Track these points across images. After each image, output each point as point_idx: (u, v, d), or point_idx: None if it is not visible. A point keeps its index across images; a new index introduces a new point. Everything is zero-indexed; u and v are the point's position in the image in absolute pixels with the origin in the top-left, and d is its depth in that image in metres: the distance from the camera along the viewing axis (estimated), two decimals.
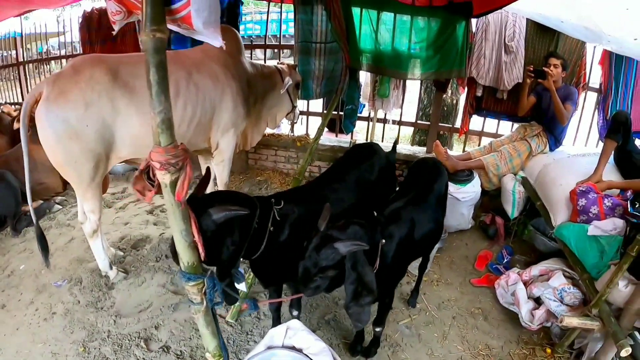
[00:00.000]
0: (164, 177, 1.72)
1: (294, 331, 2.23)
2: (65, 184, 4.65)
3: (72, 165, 2.97)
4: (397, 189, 3.18)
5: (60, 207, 4.62)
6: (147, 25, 1.59)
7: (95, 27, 5.40)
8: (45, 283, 3.52)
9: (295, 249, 2.41)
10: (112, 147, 3.05)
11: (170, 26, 1.79)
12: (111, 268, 3.52)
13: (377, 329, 2.81)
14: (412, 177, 3.05)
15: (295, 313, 2.91)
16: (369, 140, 5.34)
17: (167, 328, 3.10)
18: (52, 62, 7.14)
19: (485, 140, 4.92)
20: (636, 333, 2.75)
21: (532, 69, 4.03)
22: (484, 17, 4.30)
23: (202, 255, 1.92)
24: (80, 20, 5.64)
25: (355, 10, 4.08)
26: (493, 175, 4.25)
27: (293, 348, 2.18)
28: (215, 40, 1.78)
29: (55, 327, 3.09)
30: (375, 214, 2.48)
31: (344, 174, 2.94)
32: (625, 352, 2.53)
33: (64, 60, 7.03)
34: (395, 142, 3.66)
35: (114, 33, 2.42)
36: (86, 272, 3.61)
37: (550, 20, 3.67)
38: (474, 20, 4.23)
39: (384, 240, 2.32)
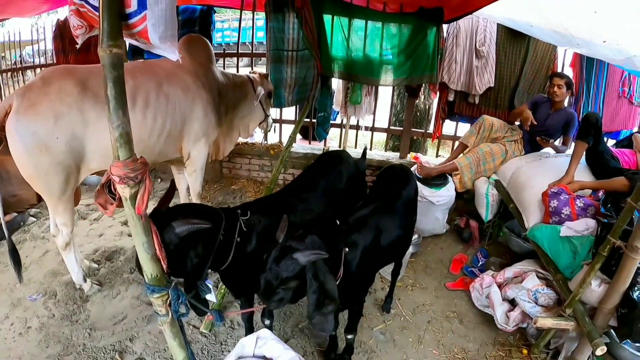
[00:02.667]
0: (123, 191, 1.77)
1: (264, 340, 2.26)
2: (40, 196, 4.65)
3: (43, 178, 2.98)
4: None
5: (35, 219, 4.61)
6: (104, 41, 1.64)
7: (69, 36, 5.36)
8: (20, 297, 3.51)
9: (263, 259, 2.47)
10: (82, 159, 3.06)
11: (129, 40, 1.84)
12: (85, 281, 3.52)
13: (349, 336, 2.85)
14: (380, 184, 3.09)
15: (267, 322, 2.94)
16: (341, 147, 5.42)
17: (142, 340, 3.12)
18: (28, 71, 7.11)
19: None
20: (611, 331, 2.83)
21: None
22: (455, 22, 4.39)
23: (165, 267, 1.97)
24: (54, 29, 5.64)
25: (327, 18, 4.13)
26: (467, 179, 4.33)
27: (263, 357, 2.22)
28: (172, 54, 1.84)
29: (31, 342, 3.09)
30: (338, 222, 2.52)
31: (312, 182, 2.98)
32: (601, 350, 2.60)
33: (38, 70, 6.99)
34: (365, 149, 3.71)
35: (78, 46, 2.46)
36: (61, 285, 3.60)
37: (520, 25, 3.75)
38: (444, 26, 4.31)
39: (347, 249, 2.35)
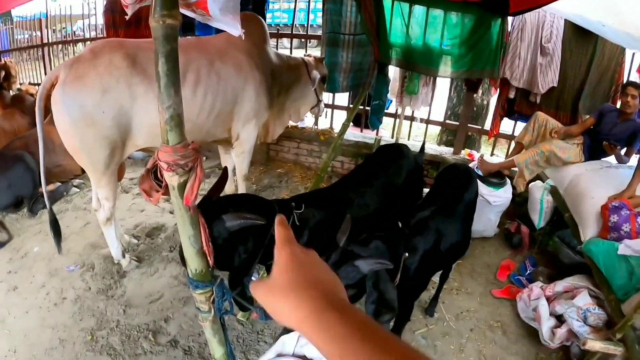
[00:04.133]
0: (171, 179, 1.51)
1: (306, 340, 2.07)
2: None
3: (87, 152, 2.82)
4: (425, 193, 2.96)
5: (78, 190, 4.48)
6: (156, 10, 1.37)
7: (119, 11, 5.15)
8: (58, 267, 3.40)
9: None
10: (128, 134, 2.88)
11: (184, 11, 1.56)
12: (124, 256, 3.37)
13: None
14: (441, 184, 2.81)
15: None
16: (394, 138, 5.06)
17: (177, 322, 2.96)
18: (79, 43, 7.01)
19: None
20: None
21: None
22: (521, 15, 3.99)
23: (211, 263, 1.72)
24: (105, 2, 5.46)
25: (387, 3, 3.80)
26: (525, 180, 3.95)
27: (304, 357, 1.97)
28: (233, 28, 1.56)
29: (65, 313, 2.99)
30: (400, 224, 2.25)
31: (369, 176, 2.73)
32: None
33: (88, 43, 6.87)
34: (424, 143, 3.42)
35: (127, 17, 2.21)
36: (99, 259, 3.47)
37: (591, 23, 3.39)
38: (509, 19, 3.91)
39: (407, 254, 2.11)
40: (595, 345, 2.58)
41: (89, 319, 2.94)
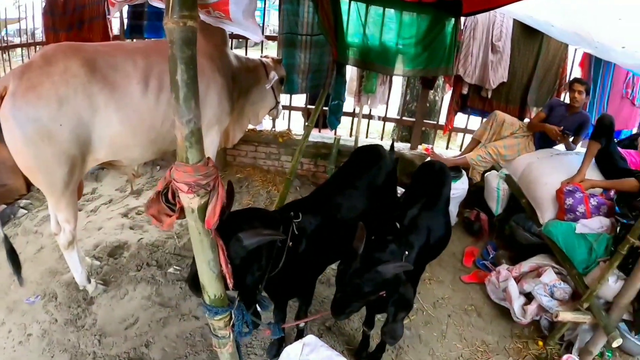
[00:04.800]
0: (191, 201, 1.33)
1: (311, 347, 1.98)
2: (29, 185, 3.99)
3: (44, 170, 2.47)
4: (403, 193, 2.98)
5: (26, 211, 3.92)
6: (175, 10, 1.20)
7: (60, 12, 4.63)
8: (16, 299, 2.95)
9: (311, 261, 2.17)
10: (88, 148, 2.56)
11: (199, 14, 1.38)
12: (89, 281, 3.00)
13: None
14: (419, 182, 2.83)
15: (302, 325, 2.62)
16: (352, 137, 4.97)
17: (159, 346, 2.70)
18: (9, 50, 6.24)
19: (469, 138, 4.68)
20: (620, 324, 2.81)
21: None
22: (473, 16, 4.07)
23: (230, 285, 1.55)
24: (44, 4, 4.85)
25: (344, 3, 3.70)
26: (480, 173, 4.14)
27: None
28: (254, 33, 1.40)
29: (33, 351, 2.61)
30: (397, 224, 2.23)
31: (352, 179, 2.64)
32: (617, 343, 2.61)
33: (24, 49, 6.15)
34: (393, 142, 3.39)
35: (110, 17, 1.94)
36: (61, 286, 3.06)
37: (540, 24, 3.53)
38: (462, 19, 3.99)
39: (406, 252, 2.12)
40: (566, 316, 2.77)
41: (61, 354, 2.60)
